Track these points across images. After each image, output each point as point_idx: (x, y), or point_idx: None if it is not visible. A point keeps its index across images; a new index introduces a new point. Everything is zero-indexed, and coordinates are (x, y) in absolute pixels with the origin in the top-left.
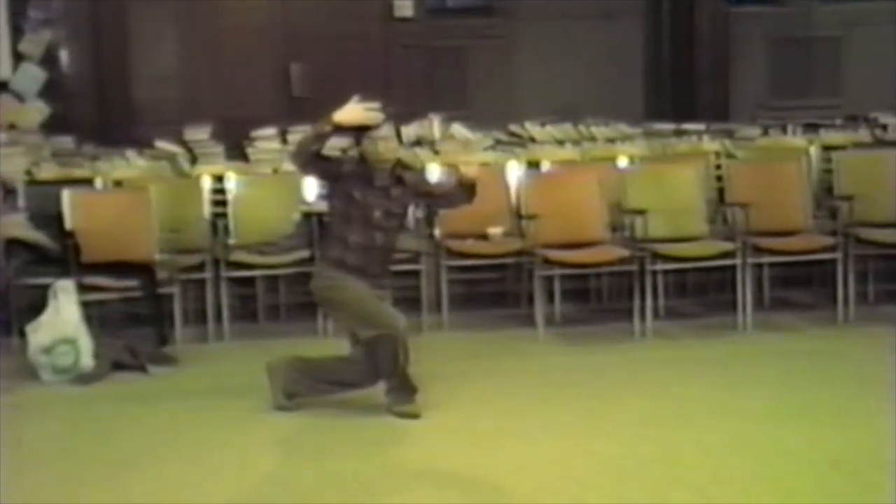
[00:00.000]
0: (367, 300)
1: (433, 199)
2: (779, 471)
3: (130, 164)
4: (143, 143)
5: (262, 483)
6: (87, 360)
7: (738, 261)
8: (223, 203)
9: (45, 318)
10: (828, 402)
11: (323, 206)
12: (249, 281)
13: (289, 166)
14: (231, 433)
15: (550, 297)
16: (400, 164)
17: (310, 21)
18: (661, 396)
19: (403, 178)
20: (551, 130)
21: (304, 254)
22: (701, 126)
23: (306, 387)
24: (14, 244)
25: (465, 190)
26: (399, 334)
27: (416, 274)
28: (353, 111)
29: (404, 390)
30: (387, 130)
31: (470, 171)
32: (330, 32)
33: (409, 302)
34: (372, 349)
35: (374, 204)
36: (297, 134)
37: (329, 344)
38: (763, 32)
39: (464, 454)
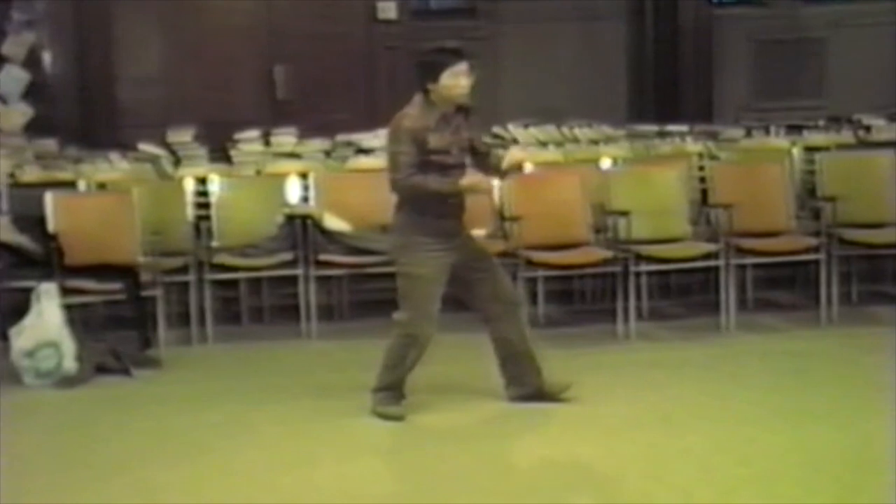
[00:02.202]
0: (426, 286)
1: (472, 153)
2: (763, 472)
3: (114, 167)
4: (126, 146)
5: (246, 487)
6: (70, 364)
7: (721, 262)
8: (206, 205)
9: (28, 321)
10: (812, 403)
11: (306, 208)
12: (232, 283)
13: (272, 168)
14: (215, 437)
15: (534, 299)
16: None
17: (293, 23)
18: (645, 398)
19: (468, 119)
20: (534, 132)
21: (288, 256)
22: (684, 128)
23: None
24: None
25: (497, 169)
26: (422, 341)
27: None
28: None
29: (394, 392)
30: (464, 66)
31: (516, 159)
32: (314, 34)
33: (390, 304)
34: (394, 333)
35: (451, 143)
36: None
37: (313, 346)
38: (746, 34)
39: (452, 456)
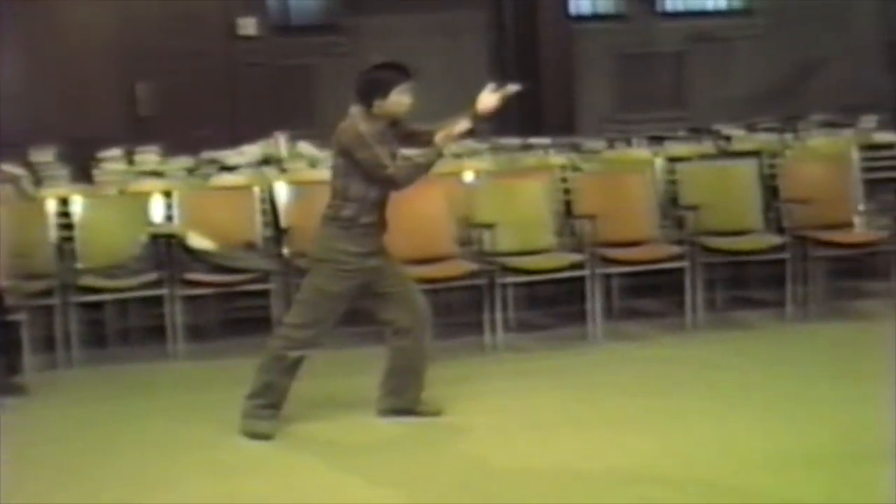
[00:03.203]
0: (332, 303)
1: (414, 139)
2: (633, 475)
3: None
4: None
5: None
6: None
7: (586, 272)
8: (69, 226)
9: None
10: (680, 407)
11: (171, 227)
12: (98, 305)
13: (136, 187)
14: (83, 464)
15: None
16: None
17: (154, 40)
18: (514, 408)
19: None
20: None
21: (153, 276)
22: (547, 140)
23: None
24: None
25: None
26: (306, 349)
27: (265, 293)
28: (490, 100)
29: (266, 401)
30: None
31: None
32: (174, 51)
33: (259, 322)
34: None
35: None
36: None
37: (180, 367)
38: (606, 48)
39: (323, 472)
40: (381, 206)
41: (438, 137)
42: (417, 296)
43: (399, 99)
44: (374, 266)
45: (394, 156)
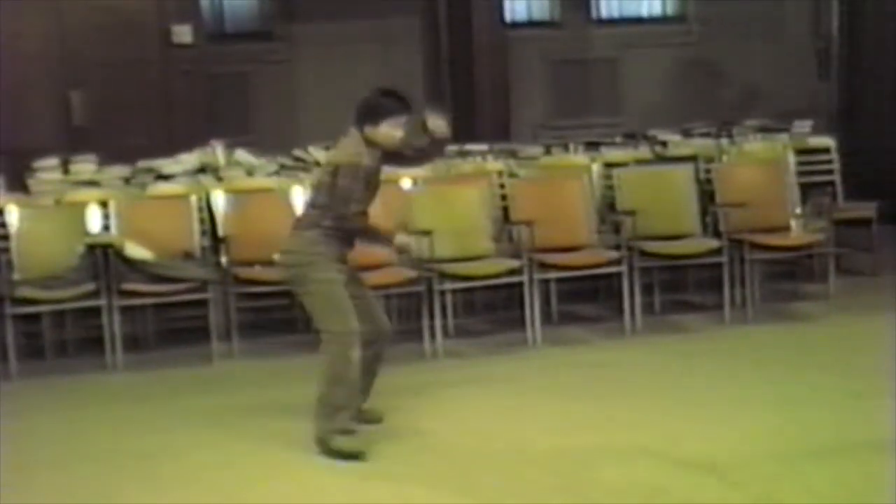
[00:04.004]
0: (341, 289)
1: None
2: (571, 480)
3: None
4: None
5: None
6: None
7: (524, 277)
8: (5, 237)
9: None
10: (619, 410)
11: (108, 237)
12: (35, 317)
13: (72, 197)
14: (20, 477)
15: None
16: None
17: (88, 47)
18: (453, 414)
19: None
20: None
21: (90, 286)
22: (484, 146)
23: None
24: None
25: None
26: (358, 339)
27: (203, 303)
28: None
29: (348, 413)
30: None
31: (439, 129)
32: (109, 59)
33: (198, 331)
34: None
35: (374, 179)
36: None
37: (118, 377)
38: (540, 54)
39: (260, 481)
40: (359, 219)
41: (397, 239)
42: (379, 309)
43: (389, 131)
44: (344, 272)
45: (376, 176)
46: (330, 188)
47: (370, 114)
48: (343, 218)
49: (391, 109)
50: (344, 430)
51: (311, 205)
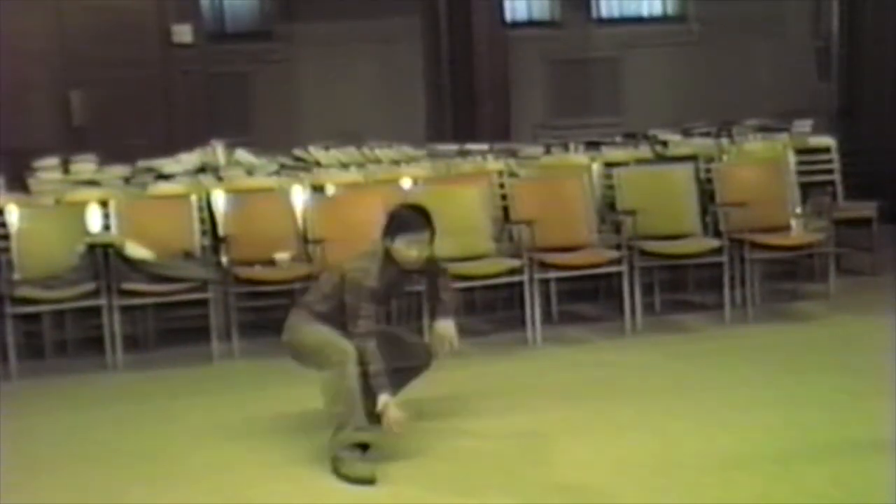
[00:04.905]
0: (320, 333)
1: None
2: (572, 481)
3: None
4: None
5: None
6: None
7: (525, 277)
8: (5, 237)
9: None
10: (620, 410)
11: (108, 236)
12: (35, 317)
13: (72, 196)
14: (19, 478)
15: None
16: (430, 260)
17: (88, 47)
18: (452, 413)
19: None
20: (336, 154)
21: (90, 286)
22: (484, 146)
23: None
24: None
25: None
26: (353, 355)
27: (204, 303)
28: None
29: (356, 429)
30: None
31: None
32: (109, 59)
33: (198, 331)
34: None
35: (395, 291)
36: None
37: (119, 377)
38: (541, 54)
39: (259, 483)
40: (368, 340)
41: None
42: (414, 337)
43: (404, 248)
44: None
45: (396, 288)
46: (339, 300)
47: (389, 228)
48: (351, 335)
49: (408, 226)
50: (351, 442)
51: (315, 291)
